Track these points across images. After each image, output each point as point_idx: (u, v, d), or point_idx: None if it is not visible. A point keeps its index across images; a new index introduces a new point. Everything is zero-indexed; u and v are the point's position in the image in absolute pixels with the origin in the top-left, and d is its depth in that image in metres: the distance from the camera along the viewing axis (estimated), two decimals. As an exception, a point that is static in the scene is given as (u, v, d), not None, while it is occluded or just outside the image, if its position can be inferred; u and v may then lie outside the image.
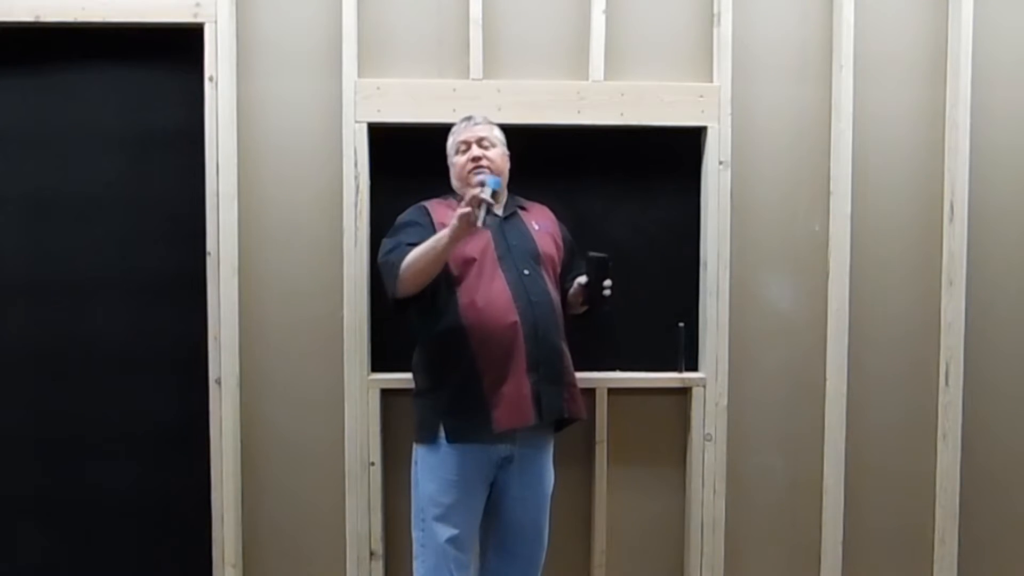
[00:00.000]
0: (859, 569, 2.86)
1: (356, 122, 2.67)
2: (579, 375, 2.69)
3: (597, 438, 2.77)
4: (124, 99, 2.74)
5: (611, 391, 2.77)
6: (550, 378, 2.40)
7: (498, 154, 2.47)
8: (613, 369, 2.80)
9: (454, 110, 2.65)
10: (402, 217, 2.49)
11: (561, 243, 2.57)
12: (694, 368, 2.82)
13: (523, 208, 2.56)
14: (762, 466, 2.84)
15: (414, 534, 2.47)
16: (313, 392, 2.74)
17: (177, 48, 2.69)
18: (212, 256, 2.68)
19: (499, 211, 2.47)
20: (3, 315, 2.76)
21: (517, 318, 2.36)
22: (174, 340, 2.77)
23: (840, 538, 2.82)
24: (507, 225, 2.48)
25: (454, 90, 2.69)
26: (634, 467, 2.82)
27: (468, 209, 2.21)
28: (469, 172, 2.43)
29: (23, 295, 2.76)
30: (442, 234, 2.29)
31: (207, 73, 2.64)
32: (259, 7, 2.70)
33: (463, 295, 2.37)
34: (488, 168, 2.41)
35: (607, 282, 2.44)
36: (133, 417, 2.78)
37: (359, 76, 2.68)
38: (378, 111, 2.68)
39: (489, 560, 2.53)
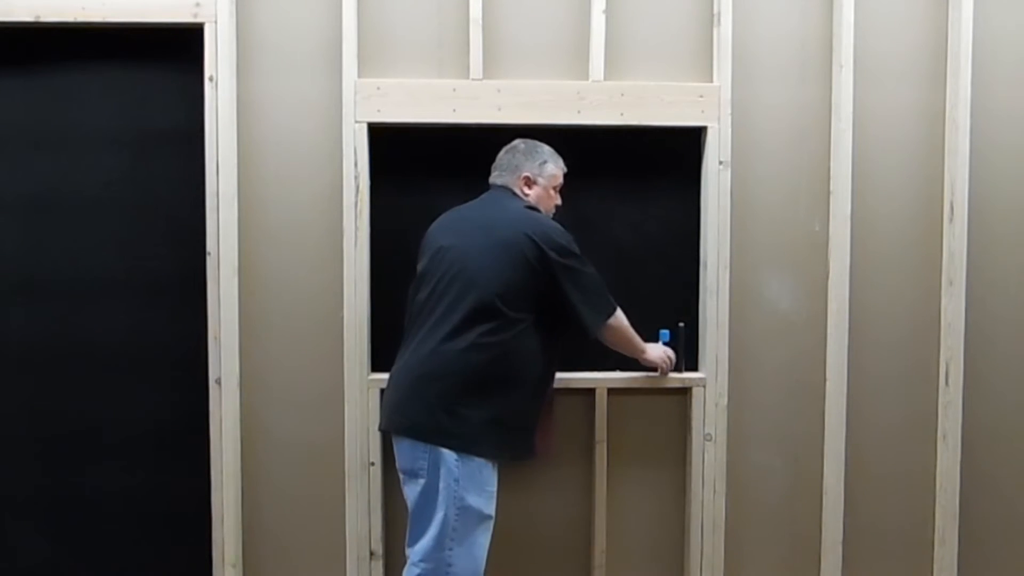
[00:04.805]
0: (859, 569, 2.86)
1: (356, 122, 2.67)
2: (579, 375, 2.73)
3: (597, 438, 2.77)
4: (124, 99, 2.74)
5: (611, 391, 2.77)
6: None
7: None
8: (613, 369, 2.79)
9: (454, 110, 2.66)
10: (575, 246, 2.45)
11: None
12: (694, 368, 2.82)
13: None
14: (762, 466, 2.84)
15: (442, 555, 2.32)
16: (313, 392, 2.74)
17: (177, 48, 2.69)
18: (212, 256, 2.68)
19: None
20: (3, 315, 2.76)
21: None
22: (174, 340, 2.77)
23: (840, 538, 2.82)
24: None
25: (454, 90, 2.69)
26: (634, 467, 2.82)
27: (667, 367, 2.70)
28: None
29: (23, 295, 2.75)
30: (640, 345, 2.60)
31: (207, 73, 2.64)
32: (259, 7, 2.70)
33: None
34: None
35: None
36: (133, 417, 2.78)
37: (359, 76, 2.68)
38: (378, 111, 2.68)
39: None
